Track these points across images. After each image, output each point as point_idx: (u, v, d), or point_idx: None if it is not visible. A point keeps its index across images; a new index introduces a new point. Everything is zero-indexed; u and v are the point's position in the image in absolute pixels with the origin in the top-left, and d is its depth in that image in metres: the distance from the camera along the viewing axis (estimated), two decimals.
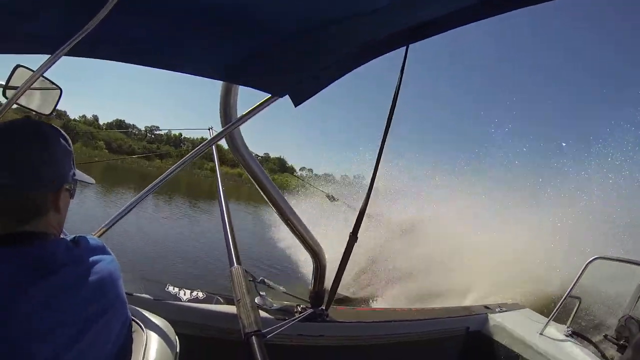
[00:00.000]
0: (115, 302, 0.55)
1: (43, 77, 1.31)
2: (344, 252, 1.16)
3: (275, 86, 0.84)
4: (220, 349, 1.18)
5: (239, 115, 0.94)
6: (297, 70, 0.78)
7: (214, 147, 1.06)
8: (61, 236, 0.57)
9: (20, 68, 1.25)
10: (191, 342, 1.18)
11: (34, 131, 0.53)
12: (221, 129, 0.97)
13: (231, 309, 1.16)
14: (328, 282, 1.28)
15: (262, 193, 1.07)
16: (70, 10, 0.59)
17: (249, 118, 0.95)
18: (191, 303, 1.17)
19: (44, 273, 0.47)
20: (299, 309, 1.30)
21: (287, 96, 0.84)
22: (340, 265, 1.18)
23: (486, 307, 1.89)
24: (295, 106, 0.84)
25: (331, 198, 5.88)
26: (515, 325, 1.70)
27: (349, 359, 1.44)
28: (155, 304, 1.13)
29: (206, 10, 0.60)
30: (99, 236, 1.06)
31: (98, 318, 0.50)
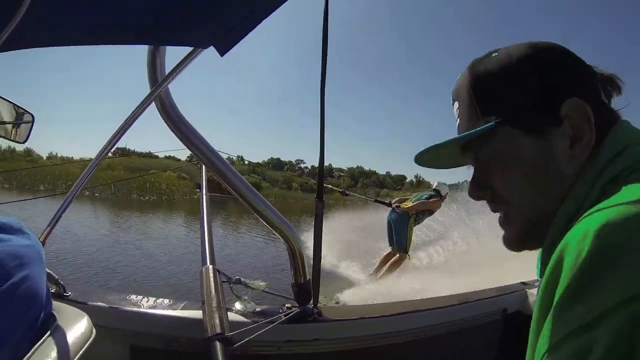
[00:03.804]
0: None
1: (14, 104, 1.29)
2: (315, 222, 0.97)
3: (198, 38, 0.80)
4: None
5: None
6: (217, 15, 0.72)
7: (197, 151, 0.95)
8: None
9: None
10: (154, 357, 1.01)
11: None
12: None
13: (200, 315, 1.00)
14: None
15: (205, 164, 0.93)
16: None
17: (176, 76, 0.90)
18: (152, 310, 1.01)
19: None
20: (284, 309, 1.10)
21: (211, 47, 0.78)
22: (315, 238, 0.98)
23: (523, 283, 1.58)
24: (222, 55, 0.78)
25: (344, 193, 5.68)
26: None
27: None
28: (110, 312, 0.99)
29: None
30: (44, 238, 0.97)
31: None
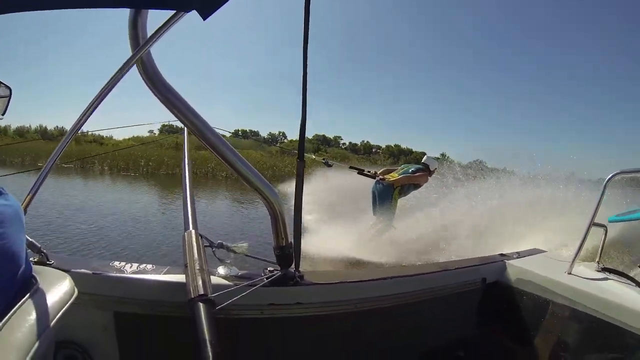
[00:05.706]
0: None
1: None
2: (296, 182, 0.98)
3: (180, 0, 0.80)
4: (173, 327, 1.00)
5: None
6: None
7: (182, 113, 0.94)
8: None
9: None
10: (138, 322, 1.01)
11: None
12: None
13: (183, 279, 1.00)
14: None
15: (188, 126, 0.93)
16: None
17: (157, 39, 0.89)
18: (136, 275, 1.01)
19: None
20: (266, 273, 1.11)
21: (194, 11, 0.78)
22: (296, 199, 1.00)
23: (502, 254, 1.63)
24: (204, 19, 0.77)
25: (327, 164, 5.38)
26: (539, 270, 1.42)
27: (339, 330, 1.20)
28: (93, 279, 0.98)
29: None
30: (25, 206, 0.95)
31: None
